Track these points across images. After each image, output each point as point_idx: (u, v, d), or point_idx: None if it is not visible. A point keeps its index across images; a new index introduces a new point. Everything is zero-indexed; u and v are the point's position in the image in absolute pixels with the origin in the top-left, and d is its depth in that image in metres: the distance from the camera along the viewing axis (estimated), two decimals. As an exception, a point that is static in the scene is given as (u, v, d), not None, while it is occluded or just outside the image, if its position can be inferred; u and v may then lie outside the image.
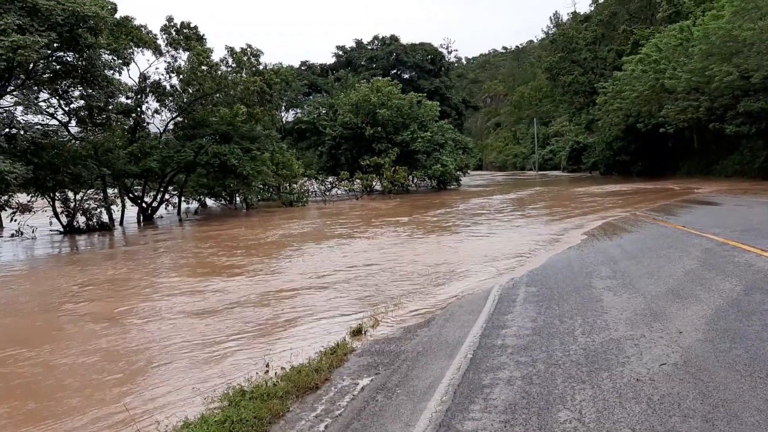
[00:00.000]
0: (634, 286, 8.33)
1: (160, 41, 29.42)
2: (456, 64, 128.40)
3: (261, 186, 35.33)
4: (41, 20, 19.06)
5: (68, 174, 21.97)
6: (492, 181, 64.80)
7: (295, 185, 39.24)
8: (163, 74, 30.47)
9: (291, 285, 10.94)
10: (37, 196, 23.20)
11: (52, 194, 23.57)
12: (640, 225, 16.42)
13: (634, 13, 55.91)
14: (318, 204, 37.08)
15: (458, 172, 47.85)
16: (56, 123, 24.49)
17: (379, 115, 43.32)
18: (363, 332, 7.15)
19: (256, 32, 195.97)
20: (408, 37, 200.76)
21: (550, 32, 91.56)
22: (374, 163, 42.39)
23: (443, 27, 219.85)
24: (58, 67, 22.03)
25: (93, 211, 25.00)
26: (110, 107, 25.07)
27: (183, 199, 33.96)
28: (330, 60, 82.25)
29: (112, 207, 26.31)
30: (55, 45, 20.20)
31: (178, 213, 32.85)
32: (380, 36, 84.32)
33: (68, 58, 21.94)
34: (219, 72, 29.57)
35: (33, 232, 22.79)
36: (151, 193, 31.43)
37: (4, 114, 20.91)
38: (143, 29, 28.44)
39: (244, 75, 30.93)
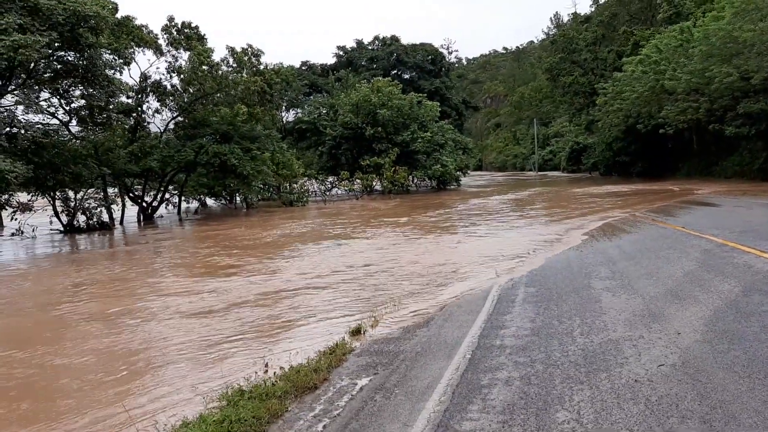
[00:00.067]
0: (632, 287, 8.34)
1: (161, 41, 29.47)
2: (456, 65, 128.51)
3: (261, 186, 35.35)
4: (42, 20, 19.08)
5: (69, 173, 22.00)
6: (492, 181, 64.79)
7: (295, 185, 39.26)
8: (163, 74, 30.55)
9: (290, 285, 10.94)
10: (37, 195, 23.24)
11: (52, 193, 23.60)
12: (640, 226, 16.43)
13: (634, 14, 55.91)
14: (318, 204, 37.09)
15: (458, 173, 47.88)
16: (57, 122, 24.53)
17: (379, 116, 43.34)
18: (362, 332, 7.16)
19: (256, 31, 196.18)
20: (408, 36, 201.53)
21: (550, 33, 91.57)
22: (374, 163, 42.40)
23: (444, 26, 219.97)
24: (59, 66, 22.06)
25: (93, 211, 25.04)
26: (111, 107, 25.10)
27: (183, 198, 33.99)
28: (330, 60, 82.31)
29: (112, 206, 26.33)
30: (56, 44, 20.23)
31: (178, 212, 32.87)
32: (381, 36, 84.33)
33: (69, 57, 21.96)
34: (220, 72, 29.59)
35: (33, 231, 22.82)
36: (152, 193, 31.45)
37: (5, 113, 20.92)
38: (144, 29, 28.46)
39: (244, 75, 30.95)
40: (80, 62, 21.91)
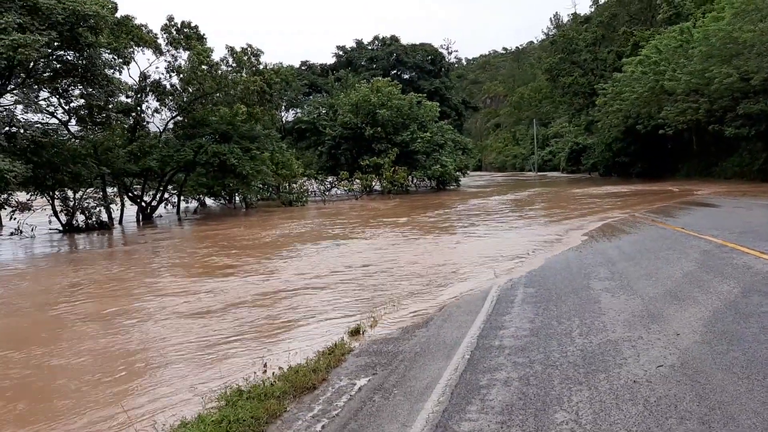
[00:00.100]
0: (632, 287, 8.34)
1: (160, 40, 29.46)
2: (456, 65, 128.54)
3: (260, 185, 35.35)
4: (42, 19, 19.06)
5: (68, 173, 21.98)
6: (491, 181, 64.81)
7: (294, 185, 39.27)
8: (163, 73, 30.54)
9: (289, 285, 10.94)
10: (36, 195, 23.20)
11: (51, 193, 23.58)
12: (639, 226, 16.43)
13: (634, 15, 55.92)
14: (317, 204, 37.09)
15: (457, 173, 47.89)
16: (56, 122, 24.54)
17: (378, 116, 43.34)
18: (361, 332, 7.16)
19: (256, 31, 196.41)
20: (408, 36, 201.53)
21: (550, 33, 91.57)
22: (374, 164, 42.41)
23: (443, 26, 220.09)
24: (58, 65, 22.03)
25: (92, 210, 25.02)
26: (110, 106, 25.08)
27: (182, 198, 33.95)
28: (330, 60, 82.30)
29: (111, 206, 26.32)
30: (55, 44, 20.20)
31: (178, 212, 32.83)
32: (380, 36, 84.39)
33: (68, 56, 21.93)
34: (219, 71, 29.57)
35: (32, 230, 22.79)
36: (151, 192, 31.43)
37: (4, 112, 20.92)
38: (144, 28, 28.45)
39: (244, 74, 30.94)
40: (79, 62, 21.89)
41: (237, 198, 37.40)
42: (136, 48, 28.32)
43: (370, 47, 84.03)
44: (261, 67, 32.46)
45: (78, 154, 22.96)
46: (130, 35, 27.08)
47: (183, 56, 30.05)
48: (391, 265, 12.52)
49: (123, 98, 28.14)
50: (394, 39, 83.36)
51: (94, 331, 8.39)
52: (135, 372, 6.53)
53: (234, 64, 31.38)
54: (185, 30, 29.86)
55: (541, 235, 16.34)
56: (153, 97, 30.08)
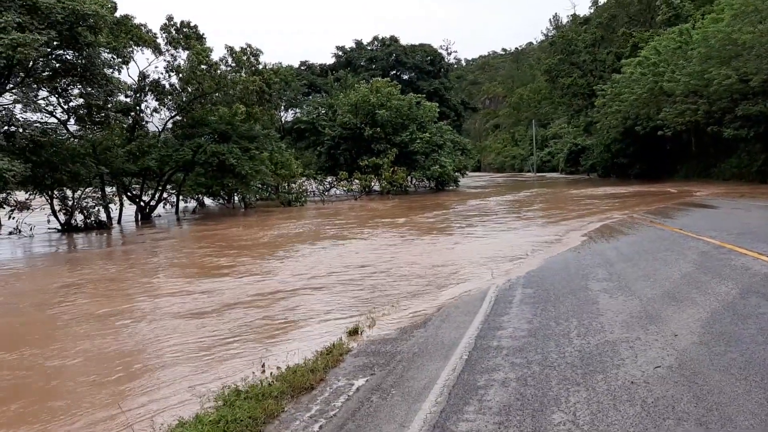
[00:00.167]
0: (630, 288, 8.35)
1: (159, 40, 29.42)
2: (455, 66, 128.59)
3: (259, 185, 35.31)
4: (41, 18, 19.05)
5: (67, 172, 21.95)
6: (490, 182, 64.83)
7: (293, 185, 39.21)
8: (162, 73, 30.47)
9: (287, 285, 10.93)
10: (35, 194, 23.20)
11: (50, 192, 23.56)
12: (637, 227, 16.44)
13: (633, 16, 55.94)
14: (316, 204, 37.07)
15: (456, 173, 47.88)
16: (55, 121, 24.51)
17: (378, 116, 43.35)
18: (359, 333, 7.17)
19: (255, 30, 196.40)
20: (407, 35, 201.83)
21: (549, 34, 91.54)
22: (373, 164, 42.41)
23: (443, 25, 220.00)
24: (57, 65, 22.02)
25: (91, 210, 24.99)
26: (109, 106, 25.07)
27: (181, 198, 33.91)
28: (329, 60, 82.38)
29: (110, 205, 26.30)
30: (54, 43, 20.20)
31: (176, 212, 32.79)
32: (380, 37, 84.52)
33: (68, 56, 21.92)
34: (218, 71, 29.54)
35: (31, 230, 22.77)
36: (149, 192, 31.39)
37: (3, 111, 20.90)
38: (143, 28, 28.43)
39: (243, 74, 30.90)
40: (79, 61, 21.88)
41: (236, 198, 37.38)
42: (136, 47, 28.30)
43: (369, 47, 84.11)
44: (260, 66, 32.43)
45: (77, 153, 22.94)
46: (130, 35, 27.06)
47: (182, 56, 30.07)
48: (390, 265, 12.53)
49: (122, 98, 28.14)
50: (394, 39, 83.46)
51: (92, 331, 8.38)
52: (132, 372, 6.51)
53: (233, 64, 31.34)
54: (184, 30, 29.84)
55: (539, 236, 16.35)
56: (152, 96, 30.07)
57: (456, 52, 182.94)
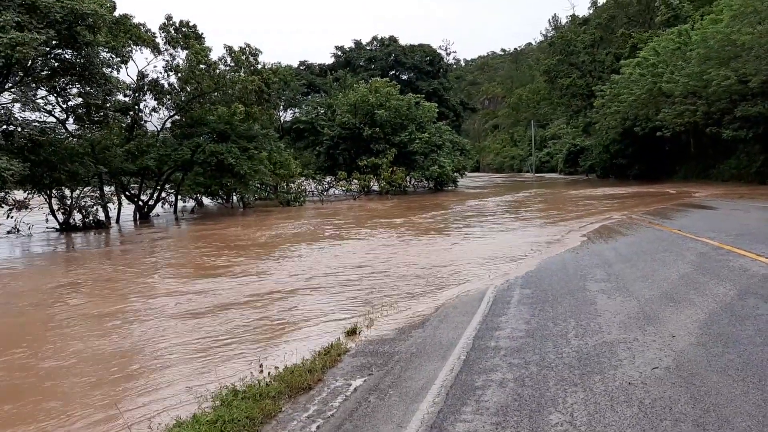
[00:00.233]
0: (628, 289, 8.35)
1: (158, 39, 29.38)
2: (454, 66, 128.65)
3: (258, 185, 35.32)
4: (40, 17, 19.04)
5: (65, 171, 21.94)
6: (489, 182, 64.85)
7: (292, 185, 39.20)
8: (161, 72, 30.46)
9: (285, 286, 10.93)
10: (33, 193, 23.15)
11: (48, 191, 23.52)
12: (636, 228, 16.45)
13: (632, 17, 55.98)
14: (315, 204, 37.07)
15: (455, 174, 47.90)
16: (54, 120, 24.47)
17: (377, 116, 43.36)
18: (357, 333, 7.16)
19: (255, 30, 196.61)
20: (407, 35, 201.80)
21: (548, 35, 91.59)
22: (372, 164, 42.41)
23: (442, 25, 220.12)
24: (56, 64, 22.01)
25: (89, 209, 24.97)
26: (108, 105, 25.07)
27: (180, 197, 33.89)
28: (329, 60, 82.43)
29: (108, 205, 26.28)
30: (53, 42, 20.18)
31: (175, 212, 32.79)
32: (379, 37, 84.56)
33: (66, 55, 21.91)
34: (217, 71, 29.52)
35: (29, 229, 22.73)
36: (148, 192, 31.37)
37: (2, 111, 20.85)
38: (142, 27, 28.40)
39: (242, 74, 30.87)
40: (77, 60, 21.86)
41: (234, 197, 37.36)
42: (134, 47, 28.27)
43: (368, 47, 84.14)
44: (259, 66, 32.38)
45: (75, 152, 22.93)
46: (128, 34, 27.04)
47: (181, 55, 30.05)
48: (388, 266, 12.53)
49: (121, 97, 28.13)
50: (393, 39, 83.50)
51: (89, 331, 8.37)
52: (130, 373, 6.51)
53: (232, 64, 31.31)
54: (183, 29, 29.82)
55: (538, 236, 16.36)
56: (151, 96, 30.05)
57: (455, 52, 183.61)
